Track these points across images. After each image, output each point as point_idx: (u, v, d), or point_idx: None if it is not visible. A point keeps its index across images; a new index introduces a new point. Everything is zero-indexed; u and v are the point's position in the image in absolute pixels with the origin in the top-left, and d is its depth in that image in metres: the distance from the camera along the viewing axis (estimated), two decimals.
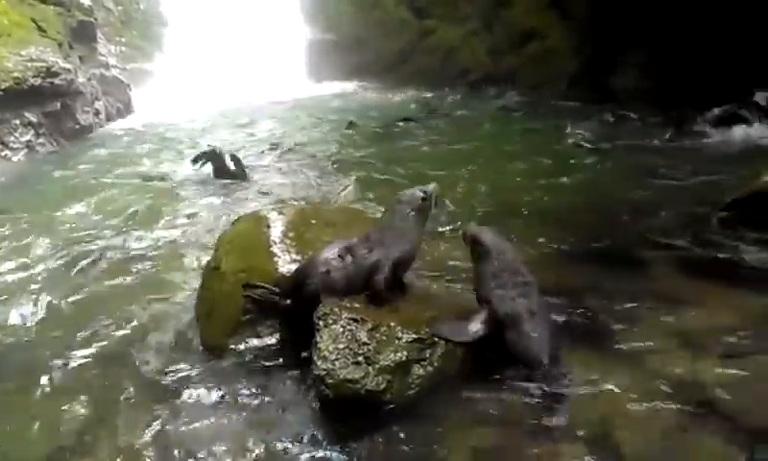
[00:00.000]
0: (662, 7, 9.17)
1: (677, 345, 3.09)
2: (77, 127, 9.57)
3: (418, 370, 2.68)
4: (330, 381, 2.59)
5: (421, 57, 14.74)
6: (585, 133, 8.57)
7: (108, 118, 10.87)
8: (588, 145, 7.91)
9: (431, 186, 3.25)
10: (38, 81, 8.74)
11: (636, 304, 3.47)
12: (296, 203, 5.79)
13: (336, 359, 2.63)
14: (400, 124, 9.93)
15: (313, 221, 3.75)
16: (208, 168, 6.99)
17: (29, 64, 8.72)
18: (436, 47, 14.54)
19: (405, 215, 3.11)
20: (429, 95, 12.87)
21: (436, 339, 2.77)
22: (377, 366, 2.62)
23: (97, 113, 10.36)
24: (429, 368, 2.70)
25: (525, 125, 9.47)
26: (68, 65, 9.40)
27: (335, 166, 7.48)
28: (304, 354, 3.08)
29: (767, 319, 3.29)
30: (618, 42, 10.31)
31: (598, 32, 10.78)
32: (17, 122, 8.48)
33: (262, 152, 8.57)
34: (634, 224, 5.01)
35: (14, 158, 8.16)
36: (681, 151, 7.34)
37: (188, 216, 5.79)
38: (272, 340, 3.26)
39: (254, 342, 3.27)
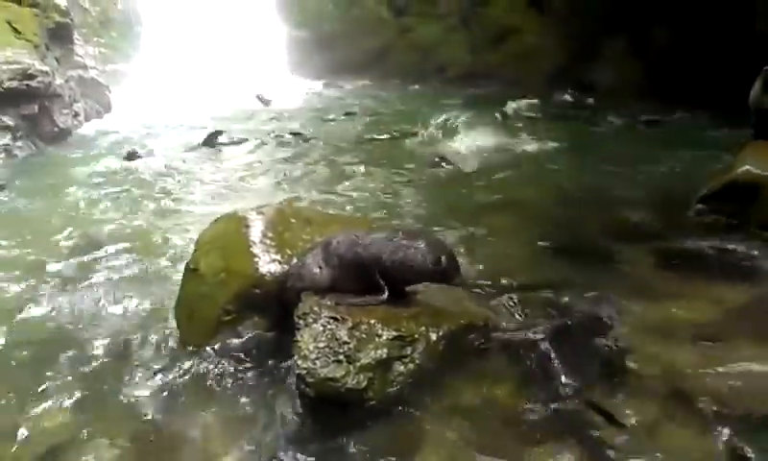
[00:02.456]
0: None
1: (653, 336, 3.13)
2: (55, 129, 9.42)
3: (399, 367, 2.69)
4: (311, 380, 2.59)
5: (401, 54, 14.78)
6: (559, 126, 8.68)
7: (87, 120, 10.70)
8: (561, 141, 7.98)
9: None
10: (15, 83, 8.58)
11: (612, 298, 3.51)
12: (276, 201, 5.78)
13: (317, 358, 2.63)
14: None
15: (292, 220, 3.73)
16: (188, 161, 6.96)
17: (4, 67, 8.56)
18: (415, 44, 14.60)
19: None
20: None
21: (416, 336, 2.78)
22: (358, 364, 2.62)
23: (76, 115, 10.20)
24: (410, 365, 2.71)
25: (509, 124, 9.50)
26: (45, 67, 9.25)
27: (318, 164, 7.47)
28: (285, 354, 3.11)
29: (743, 309, 3.35)
30: (596, 36, 10.41)
31: (576, 26, 10.88)
32: None
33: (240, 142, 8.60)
34: (610, 217, 5.08)
35: None
36: (656, 142, 7.43)
37: (166, 215, 5.75)
38: (253, 340, 3.26)
39: (235, 342, 3.27)
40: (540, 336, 3.19)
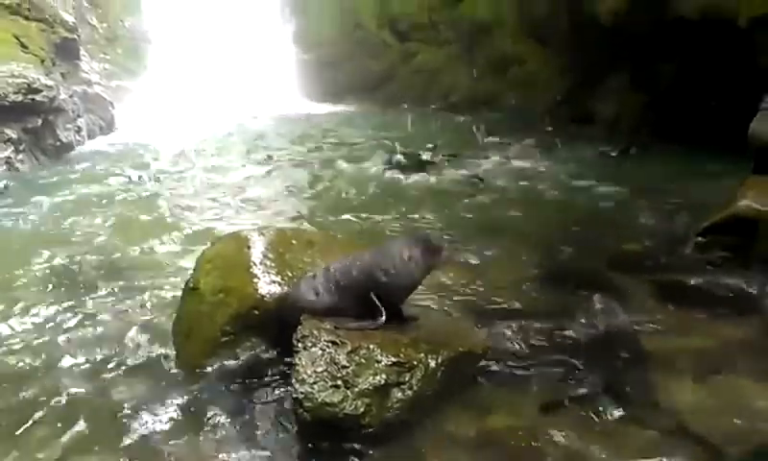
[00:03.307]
0: (645, 33, 9.37)
1: (652, 370, 3.13)
2: (58, 144, 9.47)
3: (397, 393, 2.67)
4: (309, 405, 2.57)
5: (405, 78, 14.94)
6: (560, 157, 8.74)
7: (90, 135, 10.77)
8: (559, 169, 8.04)
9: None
10: (19, 97, 8.64)
11: (609, 330, 3.51)
12: (278, 223, 5.80)
13: (315, 382, 2.61)
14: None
15: (293, 242, 3.73)
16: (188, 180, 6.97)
17: (10, 80, 8.63)
18: (419, 69, 14.76)
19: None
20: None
21: (415, 362, 2.77)
22: (356, 389, 2.60)
23: (79, 130, 10.27)
24: (408, 392, 2.69)
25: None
26: (50, 82, 9.33)
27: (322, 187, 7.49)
28: (283, 376, 3.09)
29: (743, 344, 3.34)
30: (597, 69, 10.52)
31: (578, 58, 11.00)
32: None
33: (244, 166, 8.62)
34: (610, 246, 5.09)
35: None
36: (655, 174, 7.48)
37: (167, 234, 5.74)
38: (251, 362, 3.24)
39: (232, 363, 3.24)
40: (538, 366, 3.20)
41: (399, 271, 2.96)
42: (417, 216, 6.19)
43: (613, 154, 8.78)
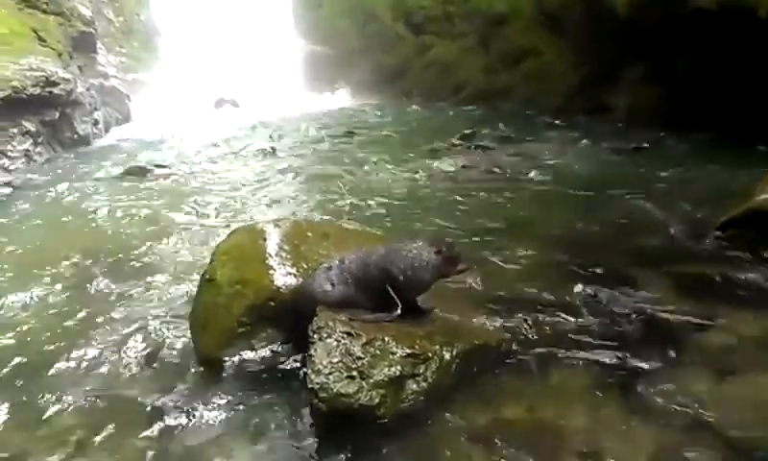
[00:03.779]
0: (661, 25, 9.25)
1: (670, 365, 3.10)
2: (75, 136, 9.58)
3: (411, 385, 2.68)
4: (324, 395, 2.59)
5: (419, 72, 14.88)
6: (574, 148, 8.68)
7: (107, 128, 10.89)
8: (576, 162, 7.98)
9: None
10: (37, 90, 8.75)
11: (627, 323, 3.48)
12: (291, 215, 5.82)
13: (330, 373, 2.63)
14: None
15: (309, 234, 3.75)
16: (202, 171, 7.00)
17: (28, 73, 8.74)
18: (433, 62, 14.68)
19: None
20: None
21: (430, 354, 2.77)
22: (371, 381, 2.62)
23: (96, 123, 10.38)
24: (423, 383, 2.70)
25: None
26: (68, 75, 9.43)
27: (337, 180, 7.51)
28: (299, 367, 3.11)
29: (762, 339, 3.30)
30: (613, 61, 10.41)
31: (594, 49, 10.89)
32: (15, 131, 8.48)
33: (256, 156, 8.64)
34: (628, 240, 5.02)
35: (12, 167, 8.15)
36: (671, 167, 7.40)
37: (182, 226, 5.79)
38: (267, 352, 3.27)
39: (249, 354, 3.27)
40: (554, 359, 3.19)
41: (414, 272, 2.98)
42: (433, 209, 6.18)
43: (630, 146, 8.69)
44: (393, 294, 2.97)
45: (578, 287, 3.97)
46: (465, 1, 14.28)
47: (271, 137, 10.24)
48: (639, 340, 3.34)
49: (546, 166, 7.94)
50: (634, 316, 3.59)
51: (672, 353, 3.19)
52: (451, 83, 14.11)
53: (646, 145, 8.65)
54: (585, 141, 9.25)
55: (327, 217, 5.76)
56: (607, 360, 3.16)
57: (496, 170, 7.72)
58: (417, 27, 15.22)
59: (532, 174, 7.49)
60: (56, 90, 9.03)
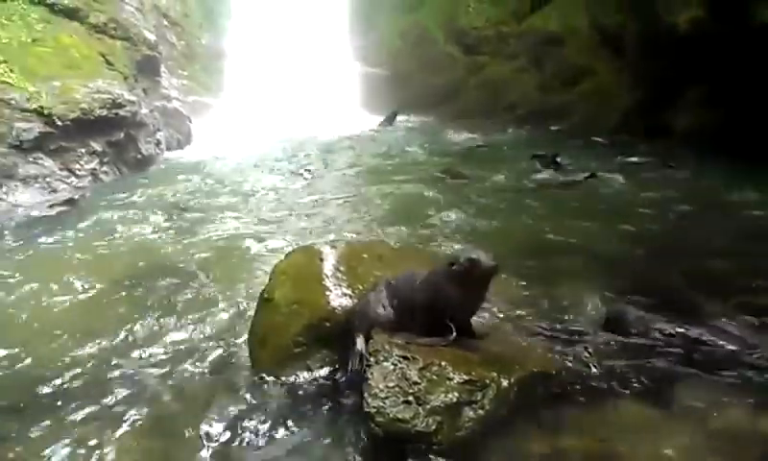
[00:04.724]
0: (723, 44, 8.97)
1: (740, 398, 2.96)
2: (139, 156, 9.97)
3: (468, 412, 2.63)
4: (380, 419, 2.58)
5: (472, 92, 14.86)
6: (633, 170, 8.47)
7: (168, 148, 11.29)
8: (632, 183, 7.79)
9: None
10: (104, 112, 9.17)
11: (697, 356, 3.35)
12: (350, 237, 5.88)
13: (386, 397, 2.62)
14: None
15: (364, 255, 3.78)
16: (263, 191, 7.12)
17: (96, 96, 9.18)
18: (486, 83, 14.65)
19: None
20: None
21: (487, 381, 2.73)
22: (428, 406, 2.59)
23: (158, 144, 10.77)
24: (480, 411, 2.65)
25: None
26: (133, 98, 9.85)
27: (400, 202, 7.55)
28: (353, 389, 3.11)
29: None
30: (674, 80, 10.13)
31: (652, 68, 10.64)
32: (83, 150, 8.89)
33: (313, 175, 8.74)
34: (690, 265, 4.84)
35: (80, 185, 8.54)
36: (732, 189, 7.12)
37: (240, 245, 5.91)
38: (323, 373, 3.29)
39: (305, 374, 3.30)
40: (615, 388, 3.09)
41: (452, 289, 2.93)
42: (485, 226, 6.13)
43: (687, 168, 8.41)
44: (447, 321, 2.94)
45: (640, 313, 3.85)
46: (518, 21, 14.23)
47: (325, 160, 10.38)
48: (701, 370, 3.21)
49: (601, 186, 7.78)
50: (700, 346, 3.45)
51: (734, 383, 3.05)
52: (504, 102, 14.03)
53: (708, 166, 8.37)
54: (641, 161, 9.02)
55: (379, 238, 5.79)
56: (671, 391, 3.05)
57: (564, 189, 7.61)
58: (469, 48, 15.24)
59: (585, 193, 7.38)
60: (122, 112, 9.44)
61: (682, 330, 3.60)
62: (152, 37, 11.46)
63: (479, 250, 2.99)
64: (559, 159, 9.14)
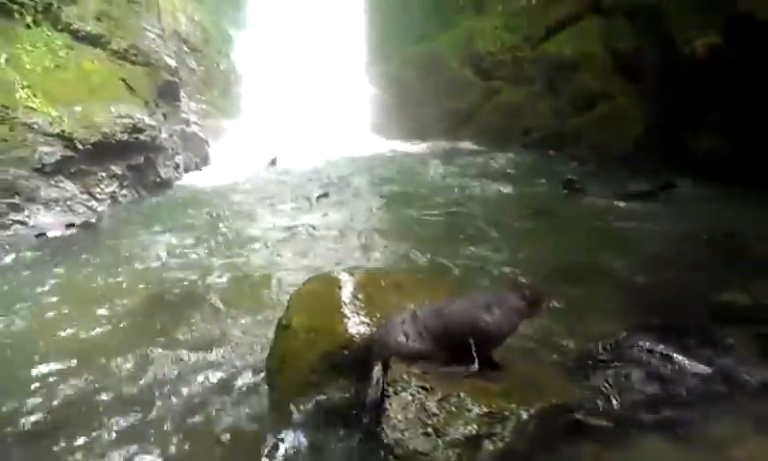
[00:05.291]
0: (742, 70, 8.93)
1: (763, 430, 2.91)
2: (158, 180, 10.09)
3: (488, 445, 2.62)
4: (399, 451, 2.57)
5: (486, 116, 14.92)
6: (649, 197, 8.44)
7: (186, 170, 11.41)
8: (658, 215, 7.74)
9: None
10: (125, 136, 9.31)
11: (719, 387, 3.30)
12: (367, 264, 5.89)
13: (405, 429, 2.61)
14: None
15: (382, 283, 3.79)
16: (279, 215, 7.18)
17: (117, 120, 9.33)
18: (500, 107, 14.70)
19: None
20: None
21: (507, 413, 2.71)
22: (447, 439, 2.58)
23: (176, 167, 10.90)
24: (500, 444, 2.63)
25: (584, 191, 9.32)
26: (153, 122, 10.00)
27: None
28: (371, 418, 3.10)
29: None
30: (691, 106, 10.09)
31: (669, 94, 10.61)
32: (104, 174, 9.03)
33: (328, 201, 8.80)
34: (710, 295, 4.77)
35: (99, 208, 8.66)
36: (757, 220, 7.04)
37: (257, 270, 5.95)
38: (340, 401, 3.27)
39: (322, 400, 3.28)
40: (636, 421, 3.06)
41: (498, 320, 2.92)
42: (501, 252, 6.11)
43: (707, 196, 8.34)
44: (474, 347, 2.93)
45: (661, 344, 3.81)
46: (533, 46, 14.30)
47: (338, 184, 10.44)
48: (727, 403, 3.17)
49: (620, 213, 7.75)
50: (722, 378, 3.40)
51: (765, 418, 3.00)
52: (519, 127, 14.05)
53: (731, 193, 8.28)
54: (658, 188, 8.97)
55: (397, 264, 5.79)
56: (692, 423, 3.01)
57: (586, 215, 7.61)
58: (484, 72, 15.32)
59: (603, 220, 7.34)
60: (142, 136, 9.58)
61: (703, 362, 3.56)
62: (172, 63, 11.64)
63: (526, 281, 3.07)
64: (579, 185, 9.14)
